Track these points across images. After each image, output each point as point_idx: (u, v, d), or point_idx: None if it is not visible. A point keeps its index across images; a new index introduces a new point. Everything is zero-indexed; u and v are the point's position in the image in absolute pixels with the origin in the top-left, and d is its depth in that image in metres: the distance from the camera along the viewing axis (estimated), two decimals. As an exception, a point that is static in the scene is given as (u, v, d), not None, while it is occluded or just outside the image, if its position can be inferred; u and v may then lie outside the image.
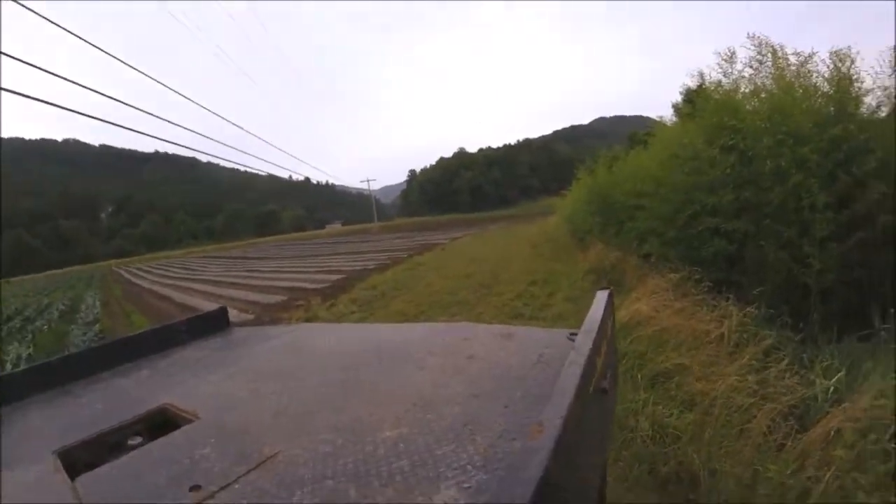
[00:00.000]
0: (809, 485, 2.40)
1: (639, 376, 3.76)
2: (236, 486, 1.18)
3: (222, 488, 1.18)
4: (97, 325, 13.71)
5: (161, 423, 1.76)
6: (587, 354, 1.20)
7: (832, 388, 3.26)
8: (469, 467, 1.05)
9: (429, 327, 2.39)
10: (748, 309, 4.58)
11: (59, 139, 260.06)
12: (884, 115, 5.21)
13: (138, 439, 1.61)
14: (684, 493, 2.63)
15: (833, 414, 2.84)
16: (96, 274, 50.57)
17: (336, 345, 2.37)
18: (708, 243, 5.76)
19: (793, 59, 5.51)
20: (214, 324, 3.10)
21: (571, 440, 0.91)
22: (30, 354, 10.83)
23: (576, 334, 1.50)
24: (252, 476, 1.22)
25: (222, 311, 3.21)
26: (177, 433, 1.58)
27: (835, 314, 4.63)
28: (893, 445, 2.46)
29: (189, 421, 1.66)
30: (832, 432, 2.66)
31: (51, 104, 8.52)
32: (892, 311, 4.00)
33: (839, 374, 3.38)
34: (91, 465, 1.43)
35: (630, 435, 3.11)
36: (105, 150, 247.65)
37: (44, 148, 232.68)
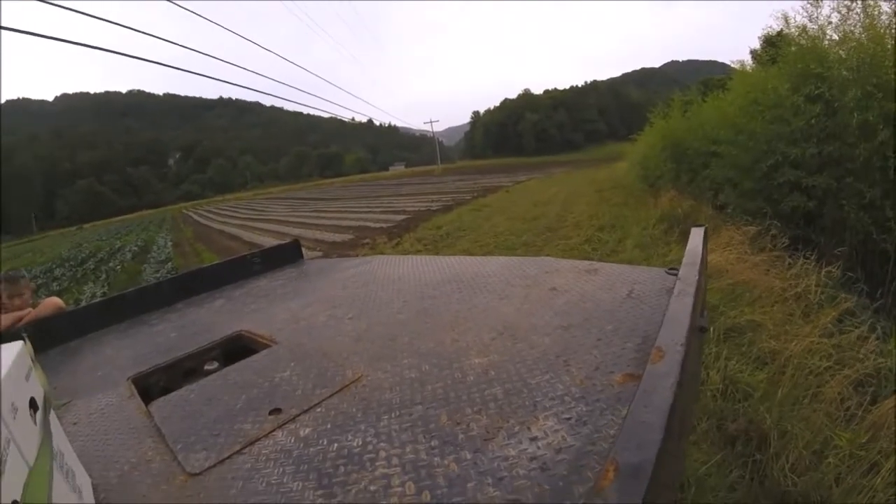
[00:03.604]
0: (880, 459, 2.30)
1: (711, 329, 3.62)
2: (319, 410, 1.15)
3: (304, 412, 1.15)
4: (169, 264, 14.54)
5: (237, 349, 1.77)
6: (695, 285, 1.13)
7: (910, 362, 3.14)
8: (567, 398, 1.00)
9: (507, 260, 2.26)
10: (827, 269, 4.41)
11: (124, 91, 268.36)
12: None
13: (214, 364, 1.63)
14: (752, 453, 2.53)
15: (908, 388, 2.73)
16: (167, 217, 52.98)
17: (413, 274, 2.33)
18: (787, 197, 5.48)
19: (884, 6, 5.09)
20: (288, 255, 3.12)
21: (688, 372, 0.84)
22: (104, 293, 11.56)
23: (675, 269, 1.44)
24: (335, 400, 1.18)
25: (296, 244, 3.22)
26: (254, 357, 1.57)
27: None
28: None
29: (266, 346, 1.66)
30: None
31: (115, 52, 8.75)
32: None
33: (916, 349, 3.24)
34: (166, 391, 1.45)
35: (700, 388, 2.97)
36: (170, 98, 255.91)
37: (109, 100, 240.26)
